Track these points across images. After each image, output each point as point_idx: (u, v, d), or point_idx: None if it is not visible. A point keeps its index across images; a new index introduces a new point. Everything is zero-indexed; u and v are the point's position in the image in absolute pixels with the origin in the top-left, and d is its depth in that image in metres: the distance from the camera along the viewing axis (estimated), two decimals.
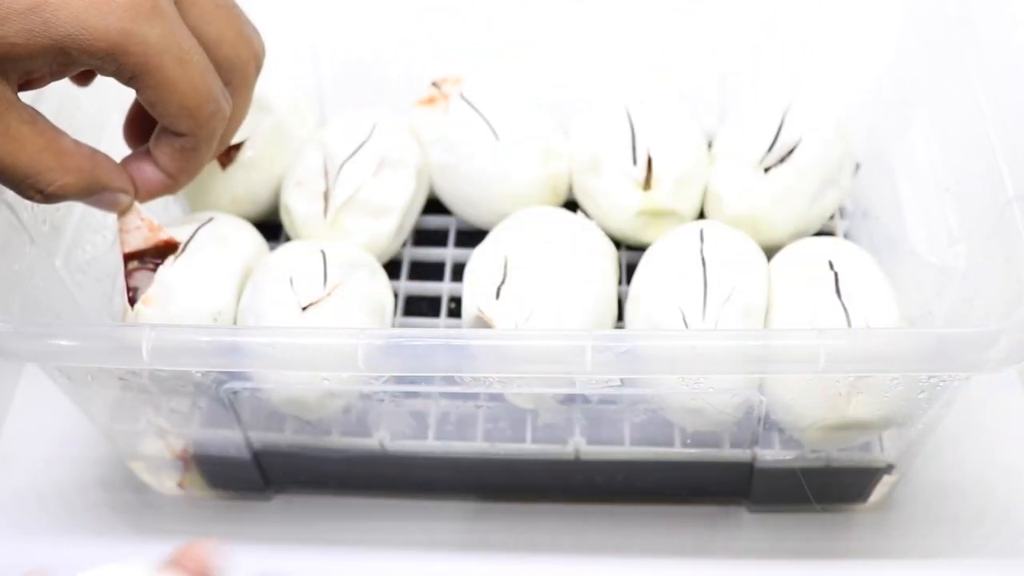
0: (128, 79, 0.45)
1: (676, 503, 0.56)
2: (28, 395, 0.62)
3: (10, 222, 0.50)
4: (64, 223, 0.54)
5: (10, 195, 0.50)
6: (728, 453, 0.52)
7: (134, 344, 0.45)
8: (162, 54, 0.44)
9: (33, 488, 0.59)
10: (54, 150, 0.45)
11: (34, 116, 0.45)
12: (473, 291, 0.52)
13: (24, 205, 0.51)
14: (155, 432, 0.53)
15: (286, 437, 0.53)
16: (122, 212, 0.49)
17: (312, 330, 0.47)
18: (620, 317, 0.54)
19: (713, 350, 0.44)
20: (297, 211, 0.56)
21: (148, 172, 0.49)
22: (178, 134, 0.48)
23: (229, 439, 0.53)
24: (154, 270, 0.51)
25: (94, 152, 0.47)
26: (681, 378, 0.47)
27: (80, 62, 0.43)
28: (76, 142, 0.46)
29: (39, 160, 0.44)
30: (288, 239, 0.58)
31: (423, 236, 0.60)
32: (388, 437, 0.53)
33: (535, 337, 0.45)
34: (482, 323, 0.50)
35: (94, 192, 0.47)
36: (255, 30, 0.50)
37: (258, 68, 0.50)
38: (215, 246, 0.53)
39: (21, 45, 0.42)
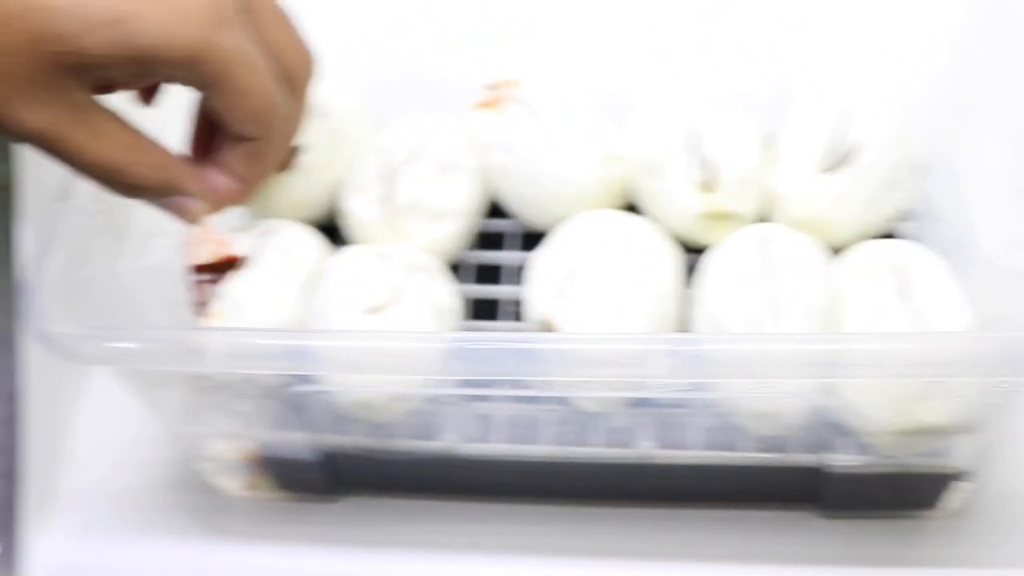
0: (202, 87, 0.46)
1: (744, 508, 0.55)
2: (98, 398, 0.62)
3: (80, 227, 0.50)
4: (130, 228, 0.55)
5: (81, 201, 0.50)
6: (797, 458, 0.51)
7: (202, 348, 0.45)
8: (235, 62, 0.45)
9: (103, 489, 0.59)
10: (136, 146, 0.46)
11: (116, 115, 0.46)
12: (536, 294, 0.51)
13: (93, 211, 0.51)
14: (223, 434, 0.53)
15: (353, 440, 0.53)
16: (192, 220, 0.49)
17: (379, 333, 0.46)
18: (683, 321, 0.52)
19: (783, 353, 0.44)
20: (356, 216, 0.56)
21: (219, 180, 0.49)
22: (247, 139, 0.48)
23: (296, 441, 0.53)
24: (219, 283, 0.52)
25: (174, 154, 0.48)
26: (750, 382, 0.46)
27: (158, 72, 0.44)
28: (156, 141, 0.47)
29: (122, 154, 0.45)
30: (346, 243, 0.58)
31: (484, 239, 0.59)
32: (455, 440, 0.52)
33: (604, 341, 0.45)
34: (546, 326, 0.50)
35: (172, 190, 0.48)
36: (308, 41, 0.50)
37: (311, 78, 0.51)
38: (279, 257, 0.53)
39: (104, 55, 0.43)
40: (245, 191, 0.50)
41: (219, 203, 0.50)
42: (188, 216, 0.49)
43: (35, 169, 0.51)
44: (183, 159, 0.48)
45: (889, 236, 0.55)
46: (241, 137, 0.48)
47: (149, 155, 0.46)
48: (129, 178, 0.46)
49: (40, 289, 0.46)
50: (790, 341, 0.44)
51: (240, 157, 0.49)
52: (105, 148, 0.45)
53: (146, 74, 0.44)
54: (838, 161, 0.53)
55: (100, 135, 0.45)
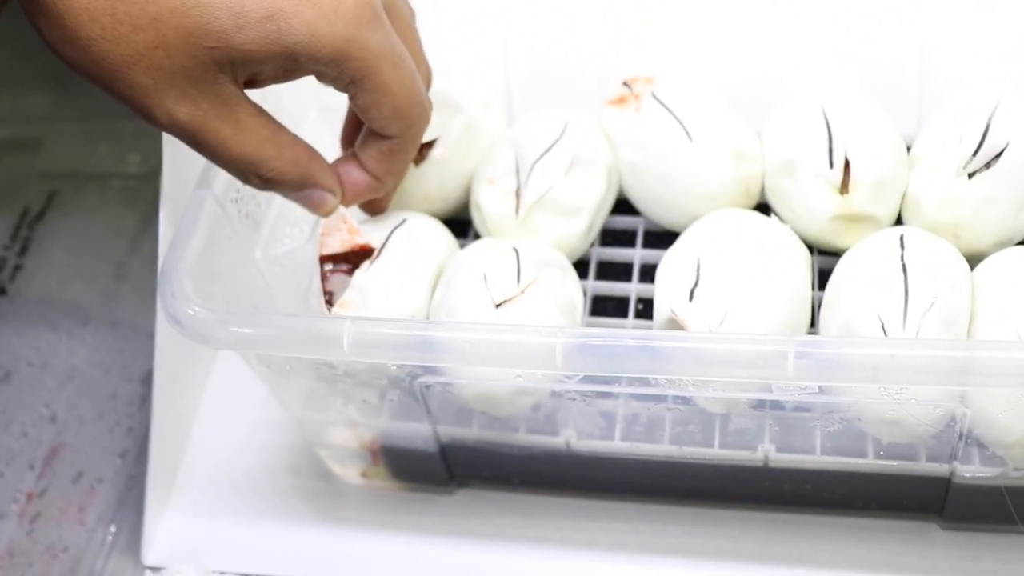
0: (347, 84, 0.46)
1: (865, 516, 0.54)
2: (222, 382, 0.63)
3: (216, 215, 0.51)
4: (264, 217, 0.56)
5: (218, 189, 0.51)
6: (924, 467, 0.50)
7: (335, 336, 0.45)
8: (380, 59, 0.46)
9: (225, 472, 0.60)
10: (276, 141, 0.47)
11: (260, 110, 0.47)
12: (665, 292, 0.51)
13: (229, 199, 0.52)
14: (345, 422, 0.54)
15: (473, 432, 0.53)
16: (327, 213, 0.51)
17: (508, 327, 0.47)
18: (812, 323, 0.52)
19: (917, 360, 0.43)
20: (488, 209, 0.57)
21: (355, 175, 0.51)
22: (386, 136, 0.49)
23: (417, 432, 0.53)
24: (350, 274, 0.52)
25: (311, 149, 0.49)
26: (881, 387, 0.46)
27: (306, 67, 0.45)
28: (296, 137, 0.48)
29: (263, 149, 0.46)
30: (477, 236, 0.59)
31: (611, 236, 0.59)
32: (575, 436, 0.52)
33: (733, 341, 0.44)
34: (674, 325, 0.50)
35: (307, 185, 0.49)
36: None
37: (428, 87, 0.52)
38: (409, 249, 0.54)
39: (255, 51, 0.44)
40: (379, 187, 0.51)
41: (353, 198, 0.51)
42: (321, 209, 0.50)
43: (175, 158, 0.53)
44: (319, 155, 0.49)
45: None
46: (382, 134, 0.49)
47: (288, 150, 0.47)
48: (268, 172, 0.47)
49: (176, 274, 0.48)
50: (924, 347, 0.43)
51: (377, 155, 0.50)
52: (247, 142, 0.46)
53: (295, 70, 0.45)
54: (980, 163, 0.53)
55: (243, 129, 0.46)
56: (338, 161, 0.51)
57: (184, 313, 0.47)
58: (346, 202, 0.51)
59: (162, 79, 0.43)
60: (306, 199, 0.50)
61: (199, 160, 0.48)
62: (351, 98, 0.47)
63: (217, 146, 0.46)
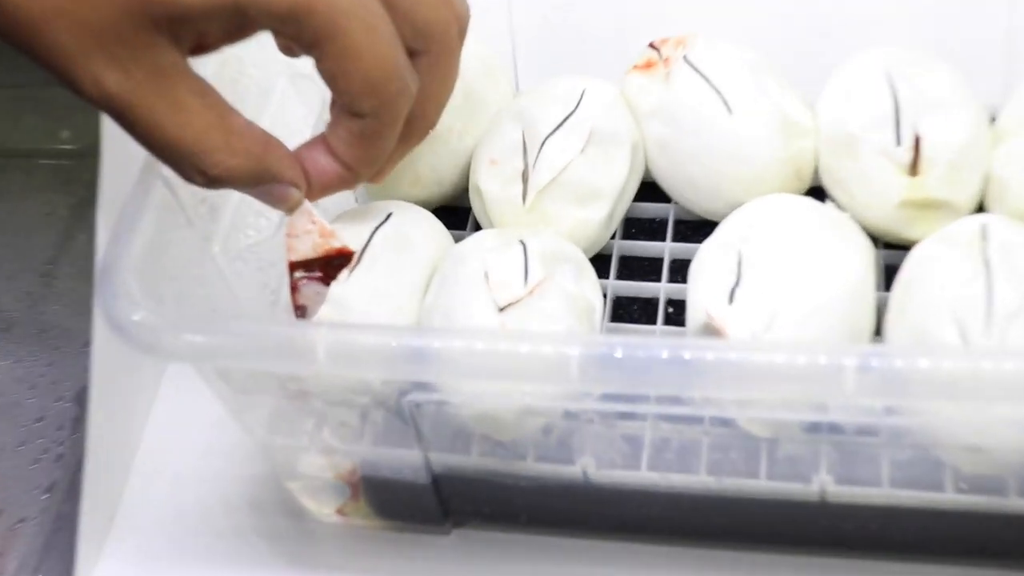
0: (309, 45, 0.45)
1: (944, 562, 0.54)
2: (172, 402, 0.64)
3: (166, 201, 0.51)
4: (224, 204, 0.56)
5: (166, 170, 0.51)
6: (1015, 504, 0.51)
7: (308, 345, 0.45)
8: (349, 17, 0.45)
9: (175, 509, 0.60)
10: (224, 128, 0.46)
11: (205, 88, 0.46)
12: (701, 293, 0.51)
13: (182, 182, 0.52)
14: (320, 448, 0.55)
15: (472, 460, 0.53)
16: (290, 209, 0.50)
17: (514, 335, 0.47)
18: (877, 330, 0.53)
19: (1004, 374, 0.43)
20: (490, 194, 0.57)
21: (322, 163, 0.50)
22: (359, 115, 0.48)
23: (406, 460, 0.54)
24: (325, 282, 0.52)
25: (267, 136, 0.48)
26: (960, 407, 0.46)
27: (259, 23, 0.45)
28: (248, 122, 0.48)
29: (206, 137, 0.46)
30: (477, 227, 0.59)
31: (636, 226, 0.60)
32: (593, 464, 0.53)
33: (781, 351, 0.45)
34: (711, 332, 0.50)
35: (262, 182, 0.48)
36: None
37: (462, 33, 0.51)
38: (395, 253, 0.54)
39: (197, 5, 0.43)
40: (352, 178, 0.51)
41: (321, 191, 0.51)
42: (284, 205, 0.50)
43: (116, 133, 0.53)
44: (277, 142, 0.49)
45: None
46: (353, 112, 0.48)
47: (238, 139, 0.47)
48: (212, 167, 0.46)
49: (118, 271, 0.48)
50: (1012, 359, 0.44)
51: (348, 138, 0.49)
52: (188, 126, 0.45)
53: (245, 27, 0.45)
54: None
55: (183, 109, 0.45)
56: (305, 146, 0.51)
57: (128, 318, 0.47)
58: (312, 196, 0.50)
59: (87, 39, 0.43)
60: (264, 195, 0.49)
61: None
62: (316, 64, 0.47)
63: (151, 128, 0.45)
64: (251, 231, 0.57)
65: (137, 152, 0.51)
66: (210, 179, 0.47)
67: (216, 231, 0.55)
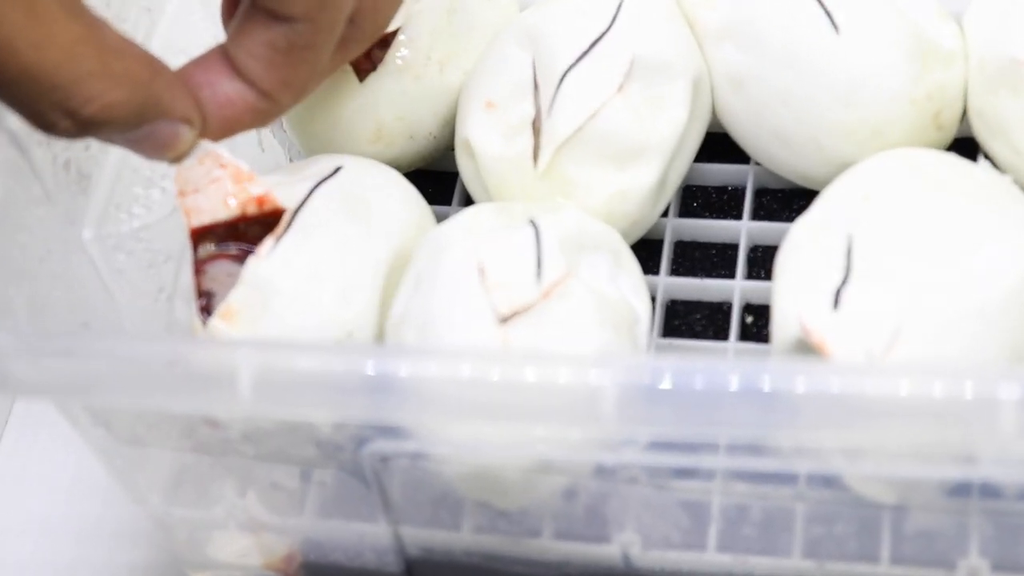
0: None
1: None
2: (17, 456, 0.65)
3: (15, 165, 0.52)
4: (97, 171, 0.57)
5: (14, 122, 0.52)
6: None
7: (225, 372, 0.46)
8: None
9: None
10: (97, 45, 0.47)
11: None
12: (792, 295, 0.52)
13: (36, 141, 0.53)
14: (242, 523, 0.55)
15: (463, 538, 0.54)
16: (177, 158, 0.51)
17: (522, 356, 0.48)
18: None
19: None
20: (487, 152, 0.58)
21: (225, 88, 0.51)
22: (281, 18, 0.50)
23: (366, 538, 0.54)
24: (241, 259, 0.53)
25: (147, 55, 0.49)
26: None
27: None
28: (124, 38, 0.48)
29: (76, 58, 0.46)
30: (469, 200, 0.60)
31: (699, 198, 0.61)
32: (638, 543, 0.53)
33: (908, 378, 0.45)
34: (807, 350, 0.51)
35: (147, 119, 0.49)
36: None
37: None
38: (345, 216, 0.55)
39: None
40: (267, 110, 0.52)
41: (223, 127, 0.52)
42: (171, 151, 0.50)
43: None
44: (160, 62, 0.49)
45: None
46: (272, 12, 0.49)
47: (117, 59, 0.47)
48: (84, 102, 0.47)
49: None
50: None
51: (265, 51, 0.50)
52: (49, 44, 0.46)
53: None
54: None
55: (43, 22, 0.45)
56: (196, 65, 0.52)
57: None
58: (212, 134, 0.51)
59: None
60: (143, 141, 0.50)
61: None
62: None
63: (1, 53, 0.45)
64: (138, 208, 0.58)
65: None
66: (82, 122, 0.47)
67: (86, 209, 0.56)
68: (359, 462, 0.51)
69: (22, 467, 0.64)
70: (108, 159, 0.57)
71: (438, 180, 0.61)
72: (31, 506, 0.63)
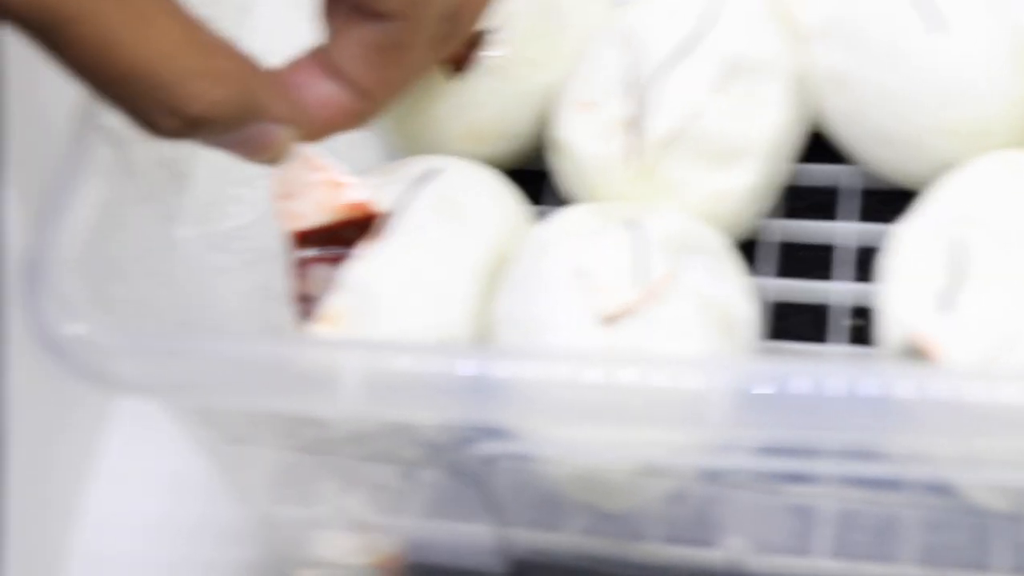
0: None
1: None
2: (122, 454, 0.65)
3: (115, 164, 0.52)
4: (194, 169, 0.57)
5: (113, 121, 0.52)
6: None
7: (330, 373, 0.46)
8: None
9: None
10: (198, 44, 0.47)
11: None
12: (900, 298, 0.52)
13: (136, 139, 0.53)
14: (346, 523, 0.56)
15: (568, 540, 0.54)
16: (274, 160, 0.51)
17: (626, 358, 0.47)
18: None
19: None
20: (582, 152, 0.58)
21: (322, 89, 0.51)
22: (377, 16, 0.50)
23: (472, 539, 0.55)
24: (339, 263, 0.54)
25: (245, 56, 0.49)
26: None
27: None
28: (220, 37, 0.49)
29: (179, 57, 0.47)
30: (563, 200, 0.60)
31: (802, 198, 0.61)
32: (745, 548, 0.53)
33: (1019, 382, 0.45)
34: (915, 354, 0.51)
35: (247, 119, 0.49)
36: None
37: None
38: (442, 218, 0.55)
39: None
40: (364, 110, 0.52)
41: (321, 128, 0.52)
42: (267, 153, 0.51)
43: (25, 68, 0.53)
44: (257, 63, 0.50)
45: None
46: (370, 9, 0.50)
47: (217, 59, 0.48)
48: (188, 100, 0.47)
49: (48, 267, 0.49)
50: None
51: (361, 50, 0.51)
52: (154, 42, 0.46)
53: None
54: None
55: (145, 19, 0.46)
56: (292, 67, 0.52)
57: (60, 333, 0.48)
58: (310, 135, 0.52)
59: None
60: (246, 142, 0.50)
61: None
62: None
63: (103, 48, 0.46)
64: (237, 206, 0.58)
65: (58, 93, 0.52)
66: (186, 121, 0.48)
67: (186, 208, 0.57)
68: (464, 463, 0.52)
69: (126, 465, 0.65)
70: (205, 158, 0.57)
71: (531, 179, 0.61)
72: (136, 504, 0.64)
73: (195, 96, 0.47)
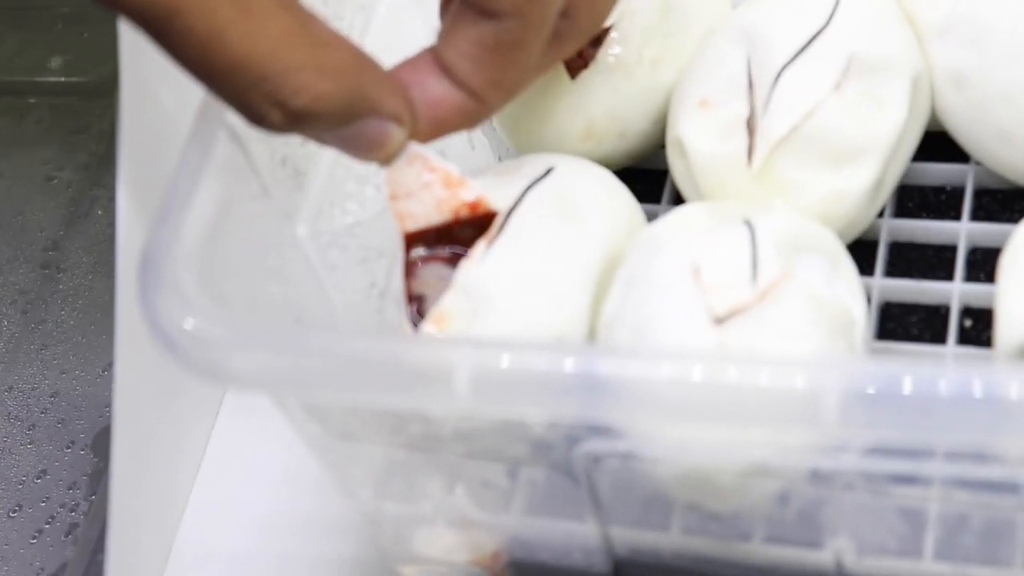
0: None
1: None
2: (232, 448, 0.66)
3: (235, 161, 0.53)
4: (312, 167, 0.58)
5: (233, 119, 0.53)
6: None
7: (442, 370, 0.46)
8: None
9: None
10: (307, 37, 0.48)
11: None
12: (1018, 299, 0.52)
13: (256, 136, 0.54)
14: (450, 520, 0.56)
15: (673, 540, 0.54)
16: (388, 158, 0.52)
17: (739, 358, 0.47)
18: None
19: None
20: (700, 151, 0.58)
21: (435, 88, 0.52)
22: (490, 14, 0.50)
23: (575, 537, 0.55)
24: (453, 263, 0.54)
25: (358, 50, 0.50)
26: None
27: None
28: (333, 31, 0.49)
29: (286, 49, 0.47)
30: (679, 199, 0.60)
31: (917, 198, 0.60)
32: (853, 549, 0.53)
33: None
34: None
35: (357, 114, 0.50)
36: None
37: None
38: (557, 218, 0.55)
39: None
40: (477, 110, 0.52)
41: (434, 128, 0.52)
42: (380, 151, 0.51)
43: (140, 59, 0.54)
44: (369, 58, 0.50)
45: None
46: (483, 9, 0.50)
47: (326, 52, 0.48)
48: (294, 92, 0.47)
49: (167, 262, 0.49)
50: None
51: (474, 50, 0.51)
52: (260, 34, 0.46)
53: None
54: None
55: (252, 11, 0.46)
56: (406, 66, 0.52)
57: (178, 327, 0.48)
58: (421, 135, 0.52)
59: None
60: (351, 139, 0.50)
61: None
62: None
63: (209, 40, 0.46)
64: (352, 204, 0.59)
65: (170, 87, 0.53)
66: (291, 114, 0.48)
67: (302, 205, 0.57)
68: (570, 461, 0.52)
69: (233, 459, 0.66)
70: (323, 156, 0.58)
71: (648, 178, 0.62)
72: (242, 498, 0.65)
73: (300, 89, 0.48)
